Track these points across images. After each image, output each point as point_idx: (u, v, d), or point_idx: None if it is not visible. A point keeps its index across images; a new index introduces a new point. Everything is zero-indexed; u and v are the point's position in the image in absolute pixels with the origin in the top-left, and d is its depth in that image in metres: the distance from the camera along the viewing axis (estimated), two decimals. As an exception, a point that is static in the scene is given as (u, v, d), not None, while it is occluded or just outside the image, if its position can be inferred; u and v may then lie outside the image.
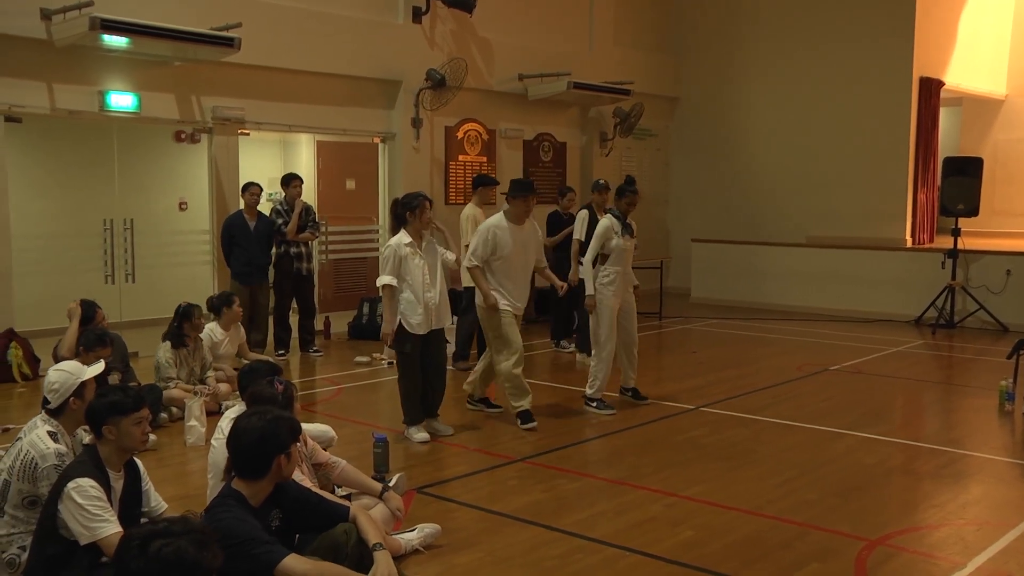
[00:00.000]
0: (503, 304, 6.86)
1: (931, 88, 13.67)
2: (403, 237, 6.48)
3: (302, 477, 4.08)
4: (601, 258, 7.43)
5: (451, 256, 6.79)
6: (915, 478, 5.85)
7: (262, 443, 3.46)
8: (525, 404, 6.85)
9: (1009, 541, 4.68)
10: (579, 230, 9.31)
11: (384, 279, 6.43)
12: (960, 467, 6.05)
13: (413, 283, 6.42)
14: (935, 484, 5.71)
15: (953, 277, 12.01)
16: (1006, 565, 4.38)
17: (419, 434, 6.54)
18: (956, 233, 11.96)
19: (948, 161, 12.48)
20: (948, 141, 15.27)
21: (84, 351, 6.06)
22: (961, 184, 12.00)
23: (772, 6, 14.70)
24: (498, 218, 6.97)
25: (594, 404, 7.44)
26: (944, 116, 14.62)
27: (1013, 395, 7.57)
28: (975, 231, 13.08)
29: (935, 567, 4.40)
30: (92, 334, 6.30)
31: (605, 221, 7.52)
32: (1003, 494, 5.58)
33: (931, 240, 13.86)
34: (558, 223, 10.15)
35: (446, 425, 6.77)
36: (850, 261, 13.20)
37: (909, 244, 13.46)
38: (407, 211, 6.49)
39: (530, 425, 6.80)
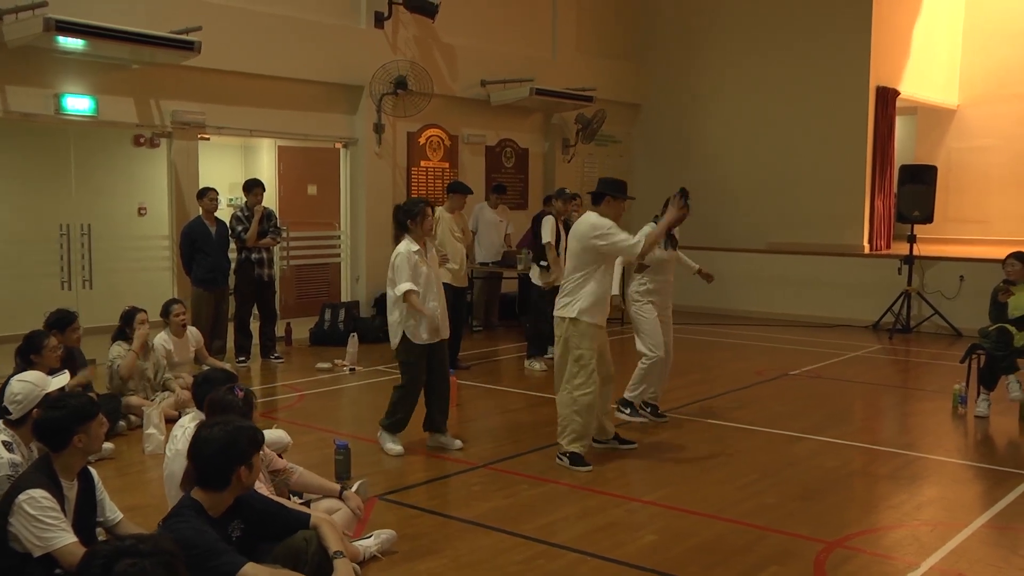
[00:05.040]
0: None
1: (887, 97, 13.89)
2: (411, 245, 6.29)
3: (259, 485, 4.04)
4: (640, 267, 7.12)
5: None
6: (873, 480, 5.94)
7: (223, 454, 3.44)
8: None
9: (960, 541, 4.78)
10: (547, 233, 9.42)
11: (405, 286, 6.13)
12: (916, 469, 6.15)
13: (423, 292, 6.22)
14: (892, 486, 5.80)
15: (909, 283, 12.21)
16: (957, 564, 4.46)
17: (395, 446, 6.31)
18: (912, 239, 12.16)
19: (904, 169, 12.70)
20: (903, 149, 15.53)
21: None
22: (916, 192, 12.21)
23: (733, 16, 14.84)
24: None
25: (627, 410, 7.20)
26: (900, 125, 14.86)
27: (966, 398, 7.71)
28: (930, 238, 13.31)
29: (891, 567, 4.47)
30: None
31: (646, 228, 6.76)
32: (956, 495, 5.69)
33: (888, 246, 14.07)
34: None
35: (454, 439, 6.56)
36: (809, 267, 13.37)
37: (867, 250, 13.66)
38: (408, 218, 6.30)
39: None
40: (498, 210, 11.64)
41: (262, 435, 3.66)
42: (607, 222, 6.06)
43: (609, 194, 6.18)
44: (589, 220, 6.15)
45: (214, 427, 3.53)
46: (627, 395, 7.18)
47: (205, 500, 3.45)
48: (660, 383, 7.34)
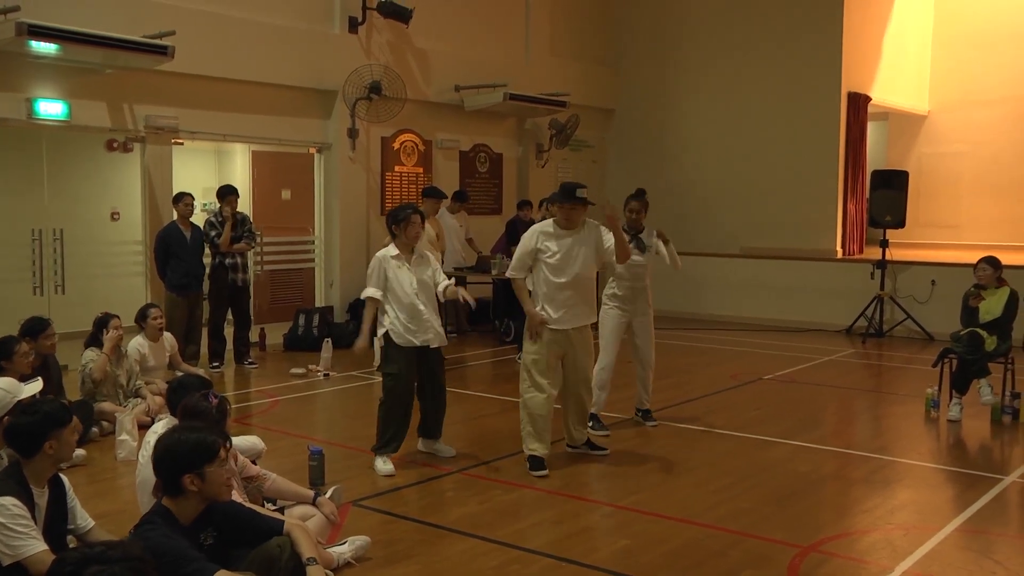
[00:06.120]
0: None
1: (859, 103, 14.02)
2: (391, 250, 6.18)
3: (233, 492, 4.01)
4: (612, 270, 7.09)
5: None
6: (847, 484, 5.97)
7: (161, 462, 3.43)
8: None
9: (933, 545, 4.82)
10: None
11: (368, 291, 6.10)
12: (889, 473, 6.19)
13: (400, 295, 6.07)
14: (865, 490, 5.84)
15: (882, 287, 12.31)
16: (930, 568, 4.50)
17: (385, 466, 6.10)
18: (884, 244, 12.27)
19: (876, 174, 12.81)
20: (875, 155, 15.67)
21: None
22: (888, 196, 12.33)
23: (707, 22, 14.94)
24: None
25: (590, 423, 6.85)
26: (871, 130, 14.99)
27: (938, 402, 7.78)
28: (902, 242, 13.43)
29: (864, 571, 4.50)
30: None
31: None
32: (929, 499, 5.74)
33: (860, 251, 14.19)
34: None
35: (448, 446, 6.49)
36: (783, 271, 13.46)
37: (839, 255, 13.77)
38: (393, 224, 6.16)
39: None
40: (458, 216, 11.73)
41: (216, 443, 3.50)
42: (531, 232, 6.22)
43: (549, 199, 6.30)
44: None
45: (173, 433, 3.54)
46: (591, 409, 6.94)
47: (174, 507, 3.43)
48: (645, 388, 7.43)
